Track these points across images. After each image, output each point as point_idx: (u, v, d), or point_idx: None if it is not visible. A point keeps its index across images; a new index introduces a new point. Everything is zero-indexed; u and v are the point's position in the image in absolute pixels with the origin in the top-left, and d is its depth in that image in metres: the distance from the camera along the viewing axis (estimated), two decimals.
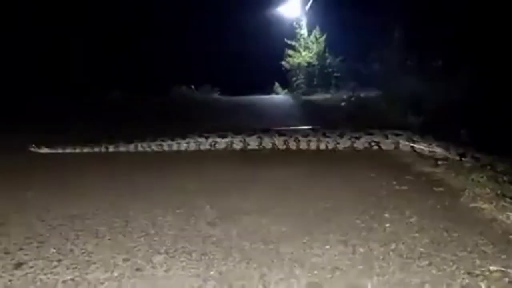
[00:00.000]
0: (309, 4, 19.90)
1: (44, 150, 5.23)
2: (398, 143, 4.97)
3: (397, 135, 5.01)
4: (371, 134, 5.10)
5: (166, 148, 5.37)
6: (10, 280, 1.87)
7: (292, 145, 5.24)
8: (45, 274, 1.93)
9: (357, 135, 5.11)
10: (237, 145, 5.36)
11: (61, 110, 11.89)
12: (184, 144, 5.37)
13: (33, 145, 5.22)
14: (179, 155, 5.22)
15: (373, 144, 5.05)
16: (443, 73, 8.69)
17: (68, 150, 5.29)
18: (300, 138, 5.23)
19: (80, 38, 17.97)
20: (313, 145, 5.19)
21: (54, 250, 2.19)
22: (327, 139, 5.16)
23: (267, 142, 5.30)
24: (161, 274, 1.93)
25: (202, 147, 5.36)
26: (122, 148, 5.36)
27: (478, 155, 4.37)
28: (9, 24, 16.17)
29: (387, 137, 5.02)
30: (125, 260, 2.07)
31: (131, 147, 5.37)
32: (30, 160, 4.90)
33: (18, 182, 3.80)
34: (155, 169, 4.43)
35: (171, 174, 4.10)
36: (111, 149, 5.33)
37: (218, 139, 5.36)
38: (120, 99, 16.79)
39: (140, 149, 5.37)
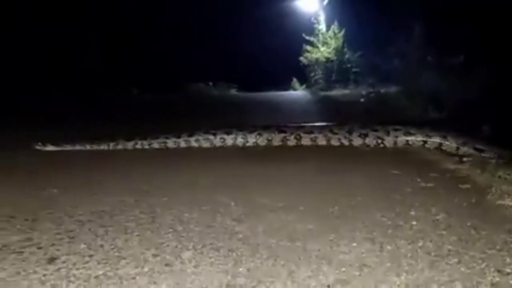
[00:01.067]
0: None
1: (50, 147, 5.27)
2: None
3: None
4: (376, 130, 5.10)
5: (171, 145, 5.45)
6: (44, 275, 1.91)
7: (306, 142, 5.24)
8: (77, 269, 1.97)
9: (365, 132, 5.11)
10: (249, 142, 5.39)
11: (63, 109, 11.81)
12: (194, 141, 5.43)
13: (39, 143, 5.25)
14: (188, 151, 5.31)
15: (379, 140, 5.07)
16: (463, 70, 8.58)
17: (77, 148, 5.32)
18: (302, 134, 5.24)
19: (80, 38, 17.97)
20: (323, 142, 5.19)
21: (85, 246, 2.23)
22: (337, 136, 5.15)
23: (276, 138, 5.33)
24: (190, 270, 1.95)
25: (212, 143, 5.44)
26: (128, 145, 5.40)
27: (481, 146, 4.44)
28: (9, 24, 16.25)
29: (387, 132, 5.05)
30: (154, 255, 2.10)
31: (140, 143, 5.43)
32: (38, 157, 4.96)
33: (36, 179, 3.84)
34: (170, 165, 4.52)
35: (185, 170, 4.19)
36: (119, 146, 5.38)
37: (225, 136, 5.40)
38: (135, 96, 16.91)
39: (138, 146, 5.43)
